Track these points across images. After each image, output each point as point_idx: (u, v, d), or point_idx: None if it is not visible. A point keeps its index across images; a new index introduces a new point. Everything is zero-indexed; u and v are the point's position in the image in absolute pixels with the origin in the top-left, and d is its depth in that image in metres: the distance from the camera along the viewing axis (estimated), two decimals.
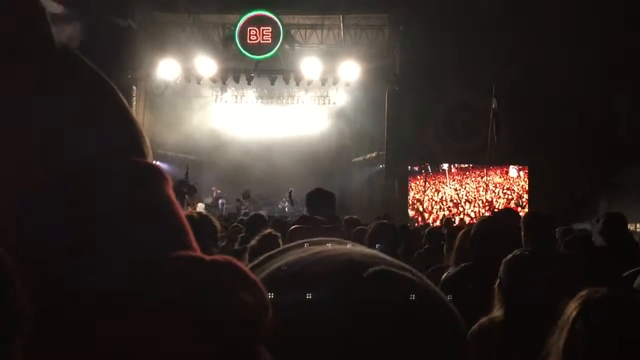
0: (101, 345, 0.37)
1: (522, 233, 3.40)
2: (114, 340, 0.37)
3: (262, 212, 9.54)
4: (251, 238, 4.03)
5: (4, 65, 0.41)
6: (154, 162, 0.45)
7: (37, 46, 0.43)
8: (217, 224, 3.42)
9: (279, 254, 0.62)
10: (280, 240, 3.86)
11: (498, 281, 2.21)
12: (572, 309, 1.37)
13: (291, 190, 17.31)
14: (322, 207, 3.88)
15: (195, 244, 0.43)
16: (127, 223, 0.40)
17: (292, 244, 0.64)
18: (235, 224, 6.81)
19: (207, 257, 0.42)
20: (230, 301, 0.40)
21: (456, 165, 16.49)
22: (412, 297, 0.55)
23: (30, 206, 0.40)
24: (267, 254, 0.64)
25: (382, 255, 0.60)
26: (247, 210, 15.27)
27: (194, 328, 0.38)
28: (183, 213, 0.43)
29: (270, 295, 0.52)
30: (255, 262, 0.63)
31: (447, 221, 11.13)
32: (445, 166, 16.57)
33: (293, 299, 0.51)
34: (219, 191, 18.39)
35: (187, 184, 14.14)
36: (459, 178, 16.52)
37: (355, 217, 6.34)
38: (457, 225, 11.19)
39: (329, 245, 0.62)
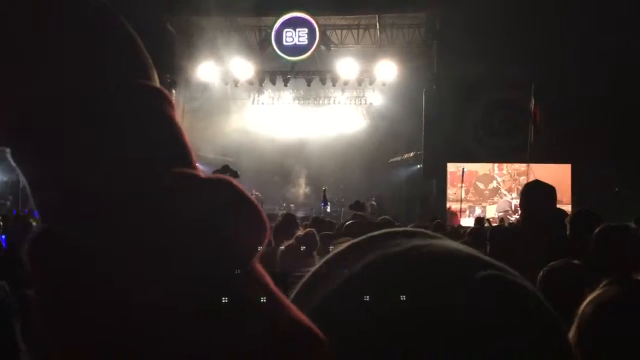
0: (98, 258, 0.37)
1: (569, 231, 3.33)
2: (108, 254, 0.37)
3: (301, 213, 9.53)
4: (282, 238, 4.13)
5: None
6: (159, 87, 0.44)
7: None
8: None
9: (355, 250, 0.57)
10: (317, 238, 3.93)
11: None
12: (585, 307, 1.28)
13: (325, 189, 17.29)
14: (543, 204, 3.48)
15: (195, 164, 0.42)
16: (124, 137, 0.39)
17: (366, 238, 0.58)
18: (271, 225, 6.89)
19: (203, 175, 0.41)
20: (223, 219, 0.39)
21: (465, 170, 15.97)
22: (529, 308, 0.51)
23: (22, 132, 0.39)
24: (336, 251, 0.59)
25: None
26: (284, 211, 15.34)
27: (187, 246, 0.38)
28: (184, 133, 0.42)
29: (365, 297, 0.49)
30: (328, 257, 0.59)
31: (478, 220, 11.06)
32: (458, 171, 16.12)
33: (398, 301, 0.48)
34: (258, 194, 18.52)
35: (229, 169, 13.38)
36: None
37: (388, 218, 6.32)
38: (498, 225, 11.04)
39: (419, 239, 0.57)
